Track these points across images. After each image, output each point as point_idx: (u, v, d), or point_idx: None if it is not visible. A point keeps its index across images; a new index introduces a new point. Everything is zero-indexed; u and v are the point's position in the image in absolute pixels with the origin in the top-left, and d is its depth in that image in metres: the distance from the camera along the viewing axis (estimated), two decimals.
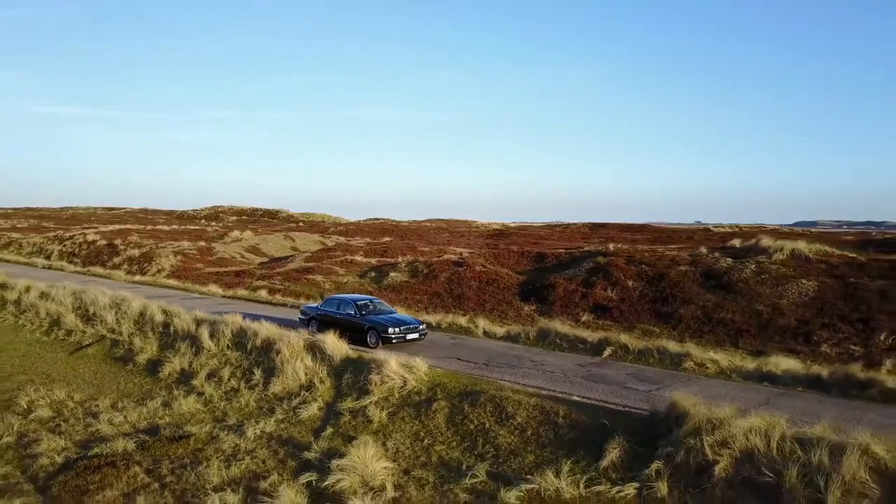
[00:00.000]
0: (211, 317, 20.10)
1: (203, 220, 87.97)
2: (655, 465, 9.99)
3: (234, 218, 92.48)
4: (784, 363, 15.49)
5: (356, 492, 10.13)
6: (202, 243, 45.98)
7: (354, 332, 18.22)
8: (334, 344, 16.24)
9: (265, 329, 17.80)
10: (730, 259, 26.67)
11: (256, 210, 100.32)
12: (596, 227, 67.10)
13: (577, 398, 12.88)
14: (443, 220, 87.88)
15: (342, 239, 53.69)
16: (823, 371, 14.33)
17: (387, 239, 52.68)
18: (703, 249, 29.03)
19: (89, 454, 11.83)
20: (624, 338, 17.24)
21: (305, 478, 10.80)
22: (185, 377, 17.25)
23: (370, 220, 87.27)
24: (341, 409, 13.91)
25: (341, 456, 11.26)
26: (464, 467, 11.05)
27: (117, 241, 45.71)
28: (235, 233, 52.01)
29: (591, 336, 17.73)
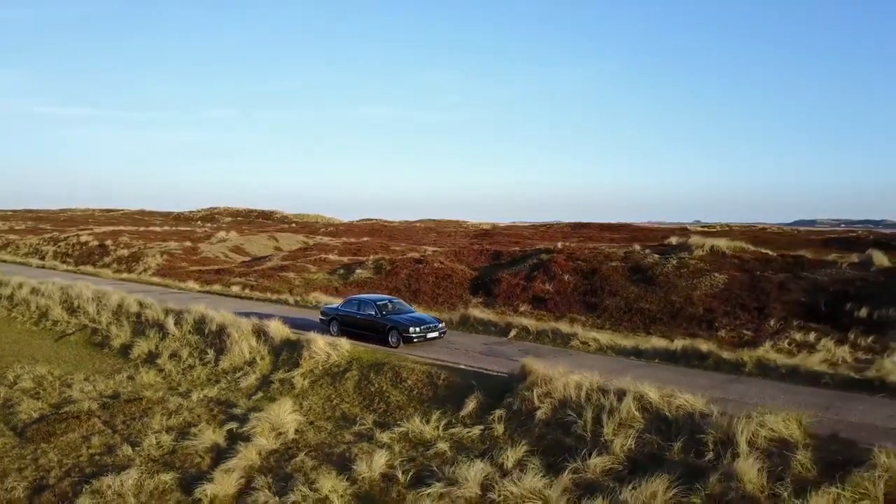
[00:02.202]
0: (179, 307, 22.85)
1: (199, 222, 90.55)
2: (498, 412, 12.77)
3: (230, 219, 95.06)
4: (655, 342, 18.23)
5: (264, 434, 12.88)
6: (188, 244, 48.78)
7: (375, 332, 18.56)
8: (276, 328, 18.99)
9: (221, 316, 20.55)
10: (656, 255, 29.37)
11: (252, 211, 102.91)
12: (577, 227, 69.66)
13: (463, 366, 15.64)
14: (434, 220, 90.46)
15: (327, 239, 56.46)
16: (678, 346, 17.04)
17: (365, 239, 55.46)
18: (637, 247, 31.72)
19: (60, 411, 14.61)
20: (525, 321, 20.04)
21: (229, 426, 13.58)
22: (151, 357, 20.01)
23: (362, 220, 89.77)
24: (273, 378, 16.70)
25: (262, 411, 14.01)
26: (358, 419, 13.81)
27: (108, 242, 48.52)
28: (221, 233, 54.82)
29: (501, 320, 20.50)
